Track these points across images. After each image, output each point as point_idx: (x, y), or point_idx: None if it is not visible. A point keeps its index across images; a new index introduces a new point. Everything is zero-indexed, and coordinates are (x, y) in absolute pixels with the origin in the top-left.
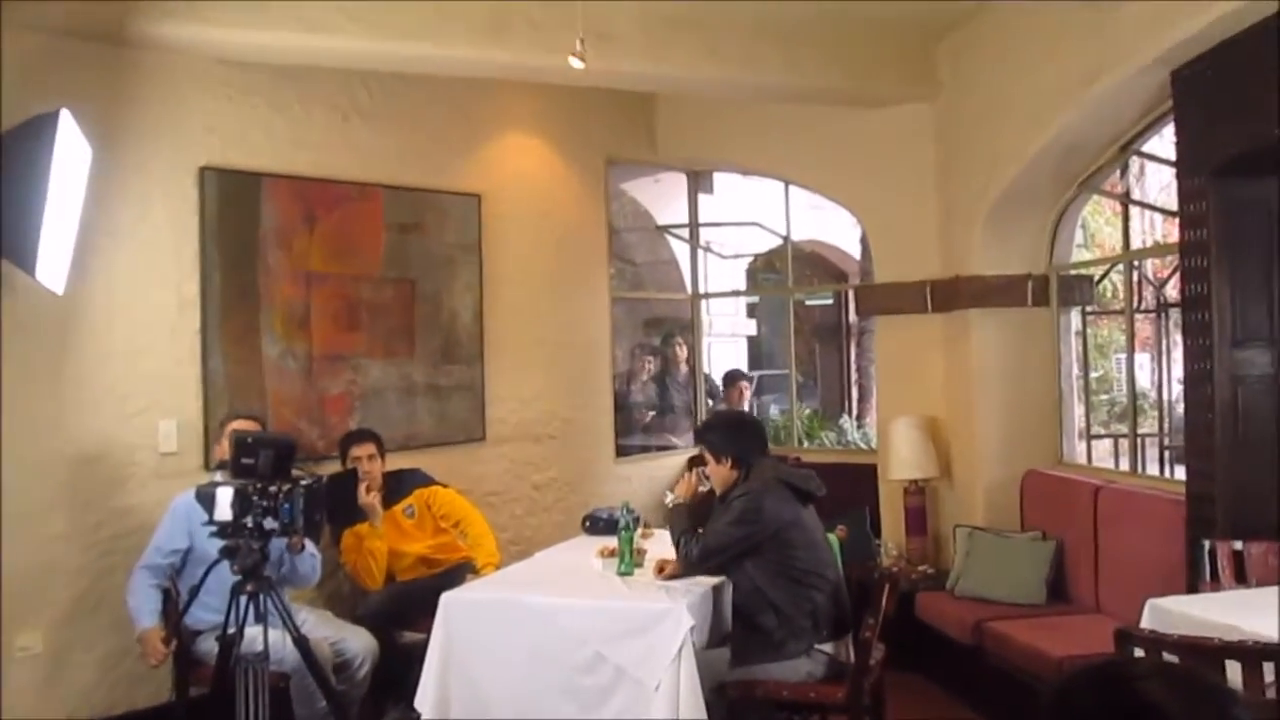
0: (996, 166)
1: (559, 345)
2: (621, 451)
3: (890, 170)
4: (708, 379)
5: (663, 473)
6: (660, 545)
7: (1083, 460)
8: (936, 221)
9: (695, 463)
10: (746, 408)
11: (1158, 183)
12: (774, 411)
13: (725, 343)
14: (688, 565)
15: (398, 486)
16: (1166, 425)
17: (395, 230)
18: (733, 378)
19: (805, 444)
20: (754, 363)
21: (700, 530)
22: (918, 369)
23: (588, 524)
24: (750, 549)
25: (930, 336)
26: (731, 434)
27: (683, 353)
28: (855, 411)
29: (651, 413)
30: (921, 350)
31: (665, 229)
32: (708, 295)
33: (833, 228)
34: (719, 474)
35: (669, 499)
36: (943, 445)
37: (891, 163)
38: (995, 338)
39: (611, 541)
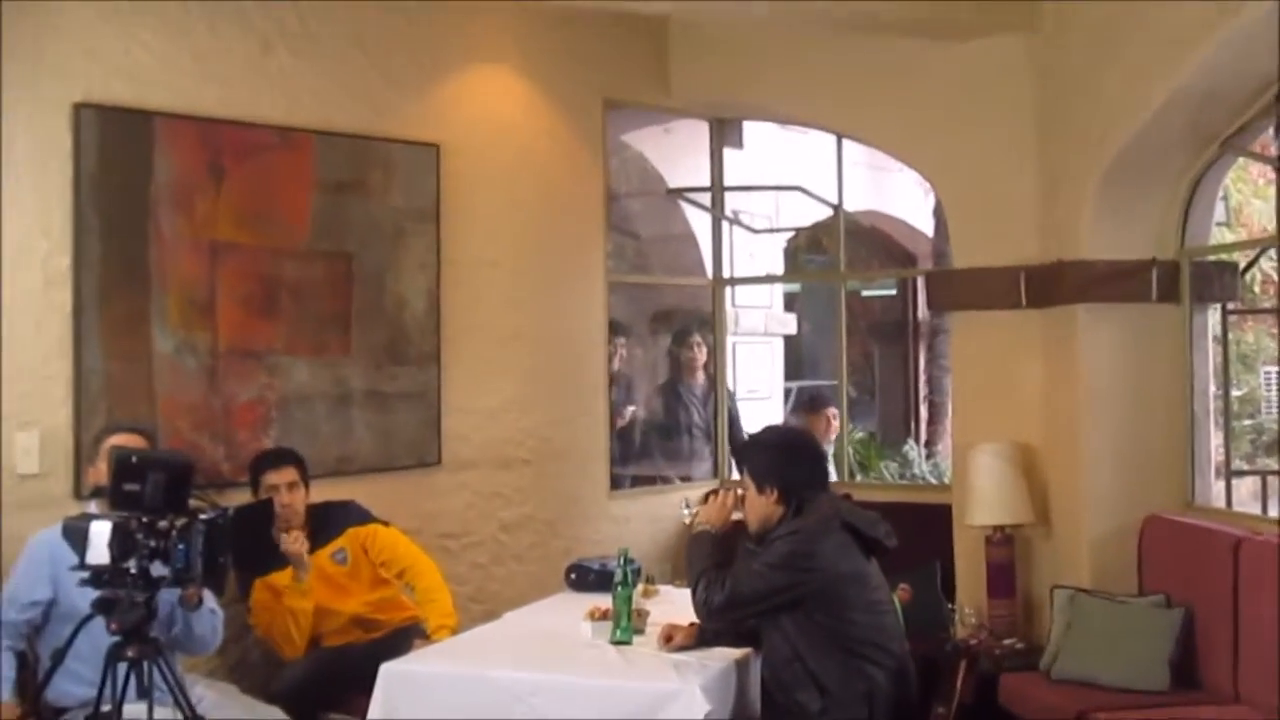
0: (1113, 119)
1: (538, 343)
2: (618, 483)
3: (974, 122)
4: (730, 397)
5: (671, 511)
6: (668, 606)
7: (1220, 504)
8: (1034, 189)
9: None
10: (833, 442)
11: None
12: None
13: (755, 344)
14: (706, 615)
15: (326, 524)
16: None
17: (328, 190)
18: (815, 402)
19: (858, 477)
20: (792, 370)
21: (725, 570)
22: (1006, 381)
23: (573, 577)
24: (793, 602)
25: (1024, 339)
26: (783, 459)
27: (700, 356)
28: (923, 436)
29: (659, 433)
30: (1012, 357)
31: (680, 194)
32: (734, 281)
33: (898, 196)
34: (758, 508)
35: (686, 514)
36: (1038, 481)
37: (976, 112)
38: (1109, 342)
39: (605, 600)
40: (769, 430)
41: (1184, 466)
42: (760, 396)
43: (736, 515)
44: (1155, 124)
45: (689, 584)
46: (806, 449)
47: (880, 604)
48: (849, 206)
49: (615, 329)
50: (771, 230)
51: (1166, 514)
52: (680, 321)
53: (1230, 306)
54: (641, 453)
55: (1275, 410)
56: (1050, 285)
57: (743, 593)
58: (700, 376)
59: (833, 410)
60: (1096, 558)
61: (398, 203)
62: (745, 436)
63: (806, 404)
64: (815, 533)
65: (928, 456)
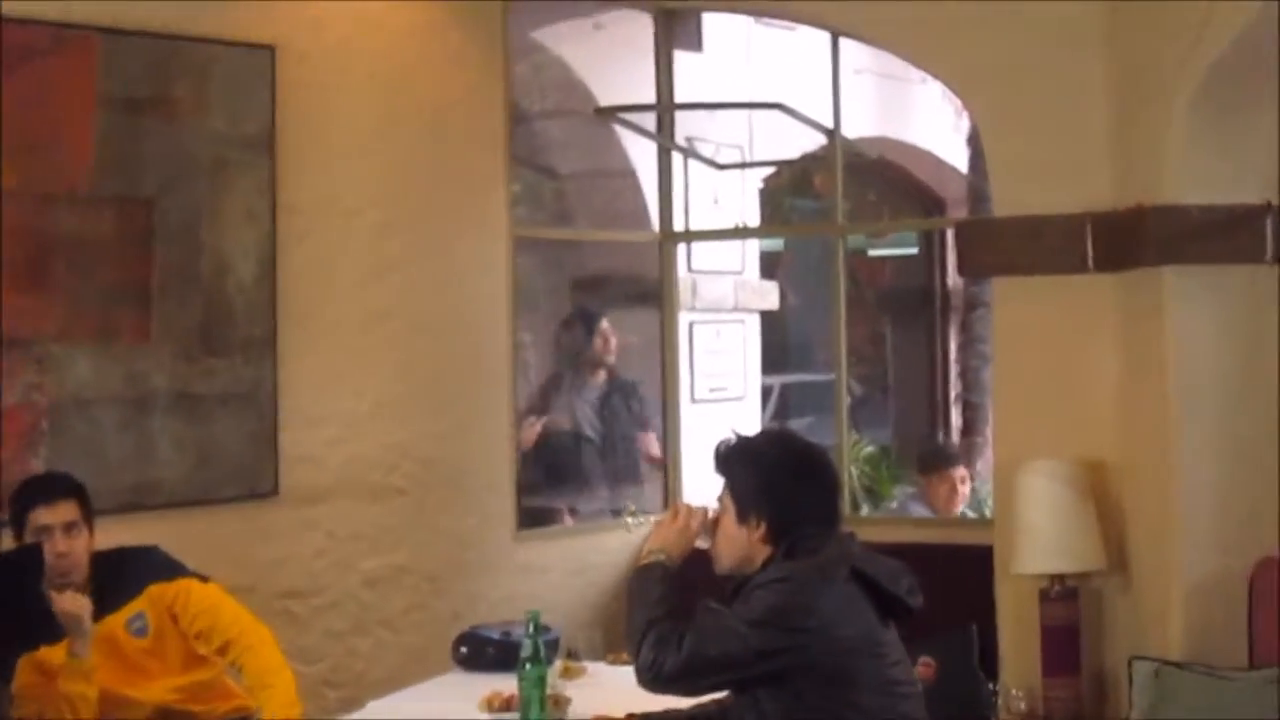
0: (1212, 9)
1: (416, 325)
2: (530, 519)
3: (1022, 14)
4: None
5: (602, 560)
6: (595, 690)
7: None
8: (1104, 108)
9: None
10: (960, 508)
11: None
12: None
13: (721, 323)
14: (653, 682)
15: (118, 580)
16: None
17: (119, 109)
18: (939, 458)
19: (864, 508)
20: (774, 359)
21: (685, 622)
22: (1068, 374)
23: (464, 651)
24: (777, 674)
25: (1092, 315)
26: (781, 481)
27: (607, 348)
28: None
29: (585, 451)
30: (1076, 340)
31: (614, 115)
32: (690, 236)
33: (919, 118)
34: (736, 542)
35: (632, 523)
36: (1112, 513)
37: (1024, 2)
38: (1210, 318)
39: (505, 684)
40: (767, 437)
41: None
42: (729, 396)
43: (702, 543)
44: (1269, 17)
45: (630, 637)
46: (817, 470)
47: (899, 684)
48: (850, 132)
49: (524, 304)
50: (742, 165)
51: None
52: (614, 291)
53: None
54: (560, 478)
55: None
56: (1127, 240)
57: (708, 655)
58: (600, 375)
59: (961, 472)
60: (1192, 618)
61: (217, 127)
62: (732, 438)
63: (927, 460)
64: (813, 582)
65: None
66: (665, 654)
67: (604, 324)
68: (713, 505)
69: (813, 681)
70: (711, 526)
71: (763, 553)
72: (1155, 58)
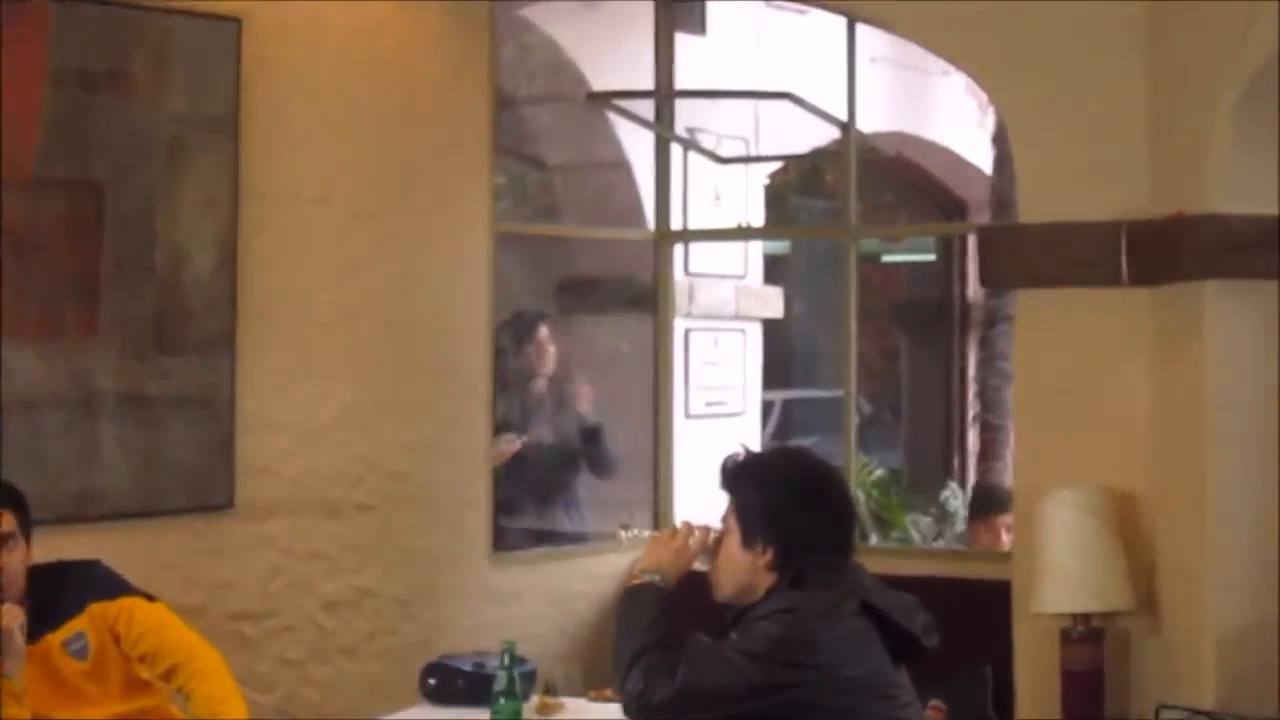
0: (1259, 11)
1: (386, 325)
2: (506, 541)
3: (1056, 6)
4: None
5: (586, 588)
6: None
7: None
8: (1142, 112)
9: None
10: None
11: None
12: None
13: (720, 331)
14: (639, 712)
15: (56, 597)
16: None
17: (69, 84)
18: (992, 501)
19: (873, 538)
20: (777, 371)
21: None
22: (1097, 395)
23: (433, 683)
24: (776, 713)
25: (1125, 332)
26: (794, 504)
27: (544, 358)
28: (972, 477)
29: (570, 469)
30: (1106, 359)
31: (608, 102)
32: (688, 236)
33: (941, 113)
34: (738, 568)
35: (625, 536)
36: (1142, 549)
37: None
38: (1253, 337)
39: (477, 719)
40: (780, 455)
41: None
42: (727, 412)
43: (700, 565)
44: None
45: (617, 662)
46: (833, 494)
47: None
48: (865, 126)
49: (506, 306)
50: (747, 160)
51: None
52: (605, 294)
53: None
54: (541, 497)
55: None
56: (1165, 251)
57: (702, 688)
58: (539, 385)
59: (1008, 519)
60: (1225, 663)
61: (175, 106)
62: (741, 454)
63: (979, 504)
64: (820, 615)
65: None
66: (656, 684)
67: (542, 331)
68: (716, 525)
69: None
70: (714, 548)
71: (767, 581)
72: (1198, 58)
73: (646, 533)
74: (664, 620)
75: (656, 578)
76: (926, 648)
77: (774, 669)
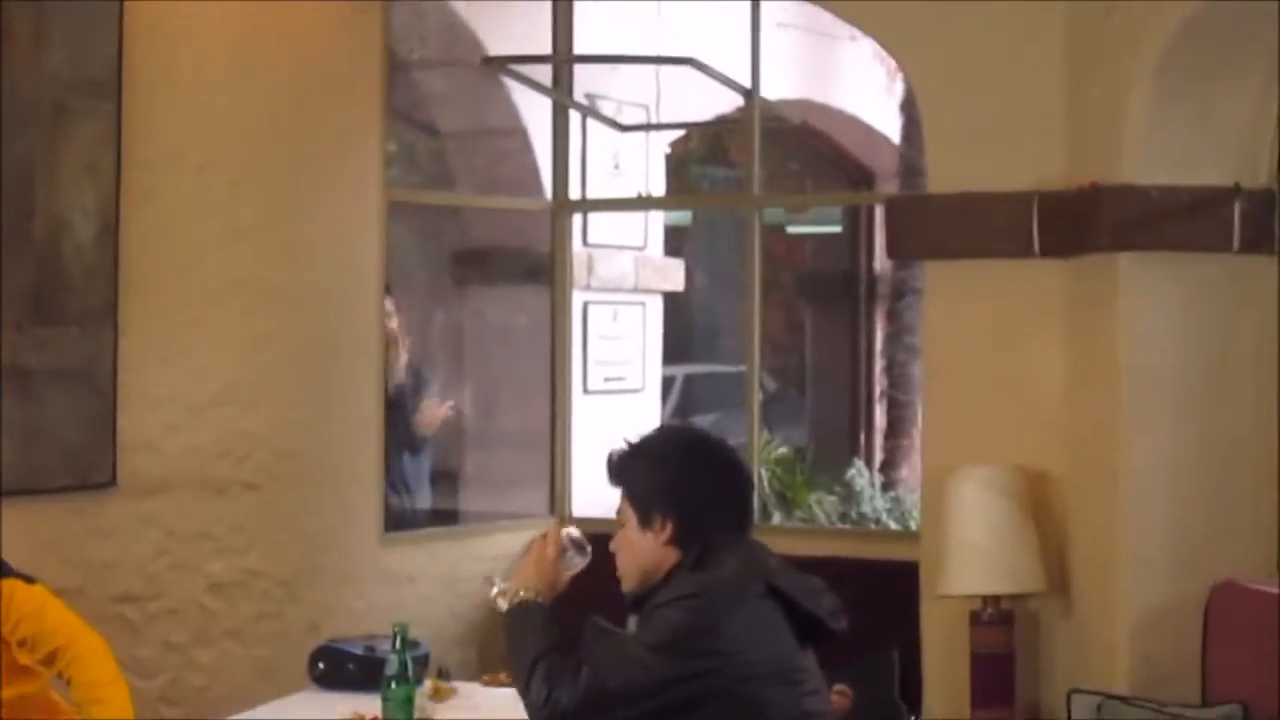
0: None
1: (274, 297)
2: (399, 522)
3: None
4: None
5: (479, 569)
6: (469, 715)
7: None
8: (1057, 75)
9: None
10: None
11: None
12: None
13: (620, 304)
14: None
15: None
16: None
17: None
18: None
19: (776, 516)
20: (678, 346)
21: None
22: (1008, 371)
23: (322, 667)
24: (685, 704)
25: (1037, 306)
26: (683, 473)
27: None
28: (878, 454)
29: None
30: (1017, 333)
31: (504, 66)
32: (587, 206)
33: (848, 80)
34: (640, 551)
35: (495, 589)
36: (1054, 529)
37: None
38: (1168, 310)
39: (368, 704)
40: (663, 432)
41: (1276, 510)
42: (626, 388)
43: (571, 566)
44: None
45: (516, 678)
46: (722, 460)
47: (813, 715)
48: (770, 93)
49: (398, 278)
50: (648, 127)
51: (1248, 581)
52: (500, 266)
53: None
54: (433, 474)
55: None
56: (1079, 222)
57: (608, 688)
58: (401, 362)
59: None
60: (1140, 646)
61: (55, 68)
62: (623, 443)
63: None
64: (723, 598)
65: (884, 487)
66: (559, 688)
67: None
68: (567, 530)
69: (720, 709)
70: (574, 545)
71: (670, 558)
72: (1114, 25)
73: (516, 573)
74: (554, 628)
75: (534, 594)
76: (834, 631)
77: (680, 660)
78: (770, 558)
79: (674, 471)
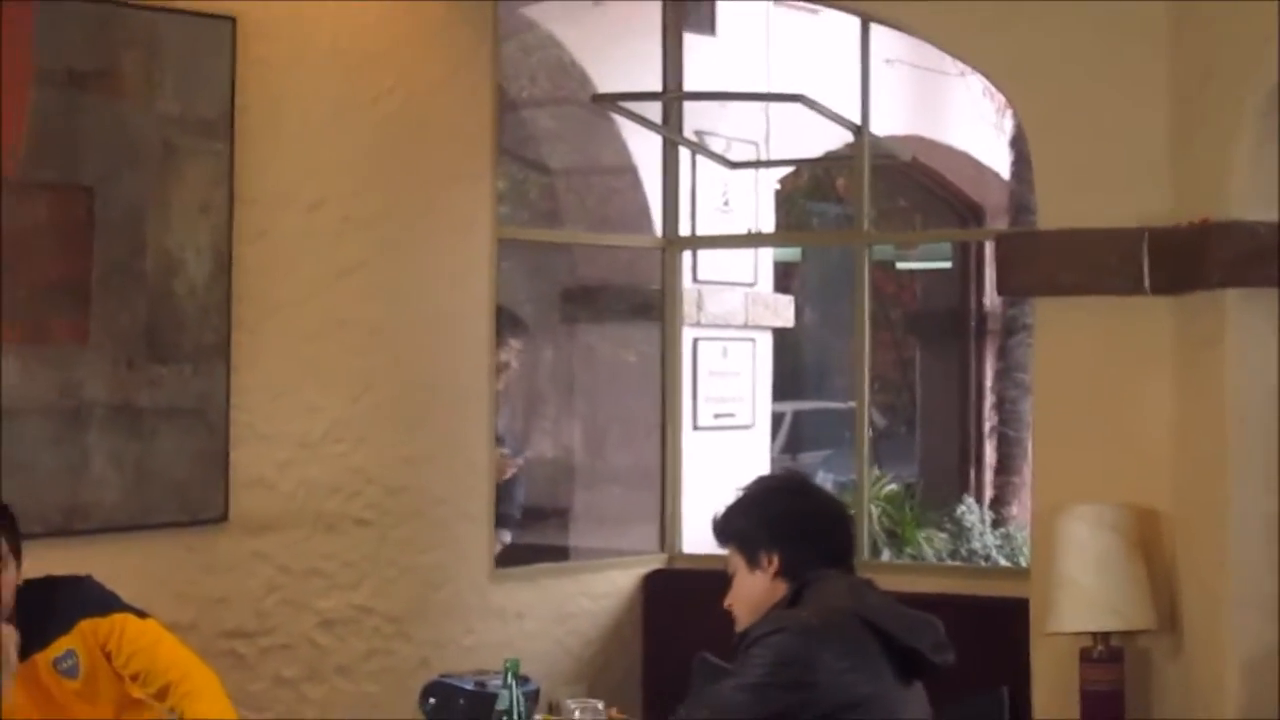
0: None
1: (384, 334)
2: (509, 558)
3: (1077, 5)
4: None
5: (589, 605)
6: None
7: None
8: (1166, 116)
9: (655, 582)
10: None
11: None
12: (824, 484)
13: (730, 341)
14: None
15: (46, 615)
16: None
17: (56, 84)
18: None
19: (885, 553)
20: (787, 382)
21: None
22: (1118, 408)
23: (433, 702)
24: None
25: (1146, 343)
26: (783, 509)
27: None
28: (988, 491)
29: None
30: (1127, 370)
31: (614, 104)
32: (696, 243)
33: (958, 116)
34: (753, 591)
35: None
36: (1164, 567)
37: None
38: (1277, 351)
39: None
40: (757, 480)
41: None
42: (735, 424)
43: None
44: None
45: None
46: (817, 494)
47: None
48: (880, 129)
49: (507, 316)
50: (757, 164)
51: None
52: (610, 303)
53: None
54: (542, 511)
55: None
56: (1188, 259)
57: None
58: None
59: None
60: (1249, 685)
61: (168, 108)
62: (722, 507)
63: None
64: (814, 630)
65: (994, 524)
66: None
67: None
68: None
69: None
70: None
71: (780, 590)
72: (1222, 60)
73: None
74: None
75: None
76: (937, 665)
77: (773, 694)
78: (872, 593)
79: (771, 508)
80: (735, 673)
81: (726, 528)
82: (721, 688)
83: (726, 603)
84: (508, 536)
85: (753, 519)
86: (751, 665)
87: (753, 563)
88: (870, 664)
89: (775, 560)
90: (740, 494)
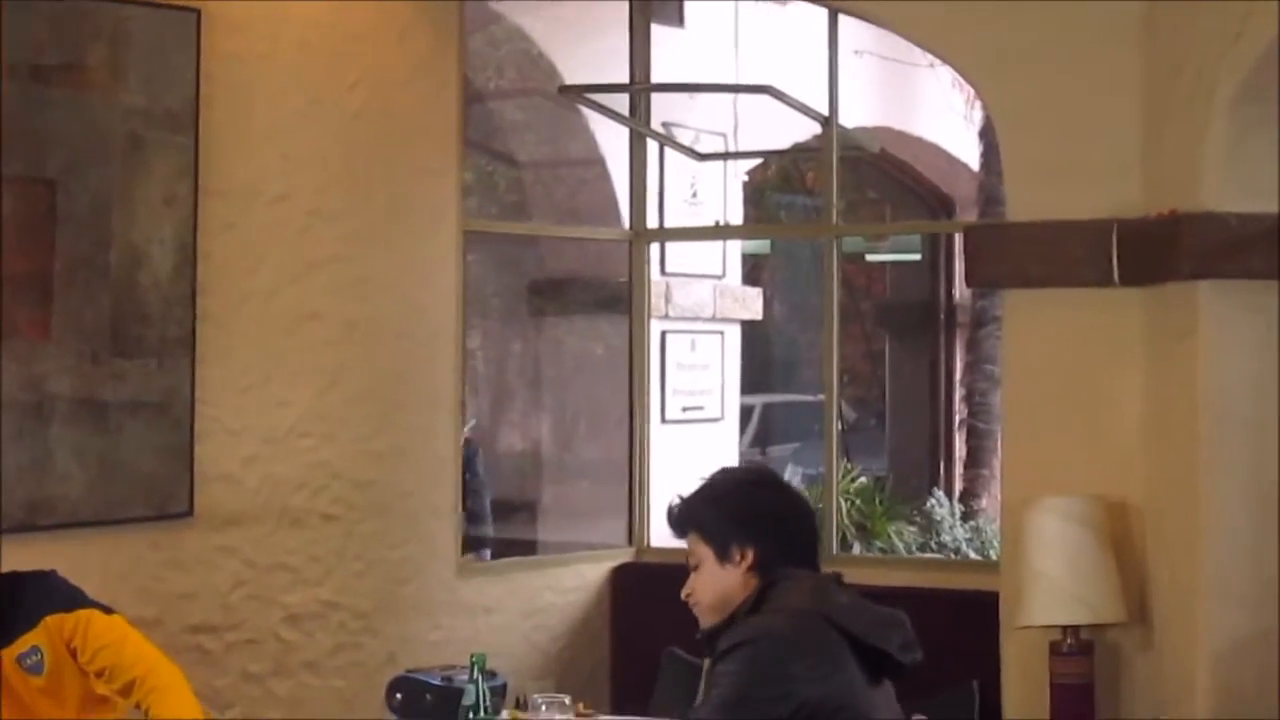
0: (1256, 2)
1: (351, 327)
2: (474, 551)
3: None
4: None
5: (557, 600)
6: None
7: None
8: (1136, 107)
9: (623, 576)
10: None
11: None
12: (793, 477)
13: (698, 333)
14: None
15: (10, 609)
16: None
17: (21, 77)
18: None
19: (856, 547)
20: (756, 375)
21: None
22: (1088, 400)
23: (399, 698)
24: None
25: (1116, 334)
26: (752, 502)
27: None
28: (958, 484)
29: (544, 475)
30: (1097, 361)
31: (581, 95)
32: (665, 235)
33: (926, 107)
34: (721, 584)
35: None
36: (1134, 560)
37: None
38: (1249, 340)
39: None
40: (722, 473)
41: None
42: (704, 417)
43: None
44: None
45: None
46: (787, 489)
47: None
48: (848, 120)
49: (475, 308)
50: (726, 156)
51: None
52: (578, 295)
53: None
54: (511, 505)
55: None
56: (1158, 251)
57: None
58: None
59: None
60: (1220, 677)
61: (133, 100)
62: (678, 497)
63: None
64: (785, 639)
65: (964, 517)
66: None
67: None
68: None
69: None
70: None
71: (751, 585)
72: (1193, 51)
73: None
74: None
75: None
76: (904, 665)
77: (751, 707)
78: (838, 592)
79: (745, 501)
80: (707, 696)
81: (692, 517)
82: (698, 712)
83: (686, 594)
84: (488, 555)
85: (725, 511)
86: (725, 685)
87: (723, 556)
88: (840, 669)
89: (750, 555)
90: (706, 485)
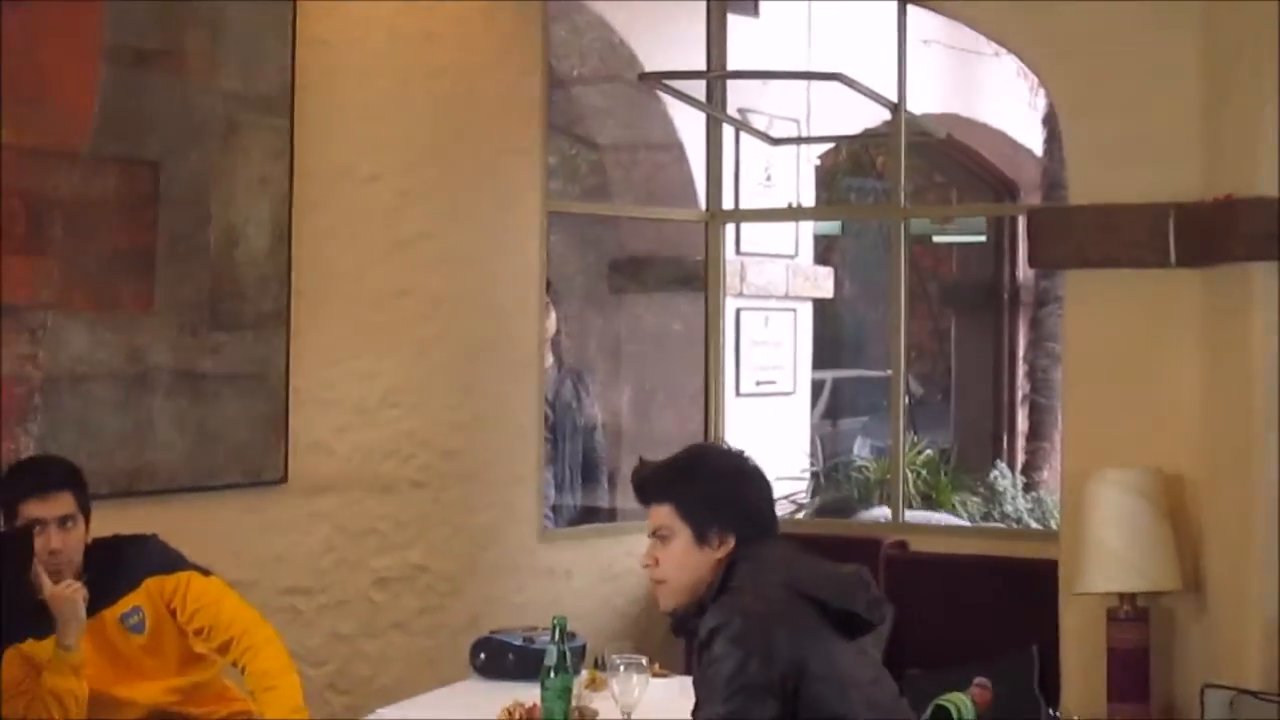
0: None
1: (438, 303)
2: (557, 518)
3: None
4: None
5: (635, 564)
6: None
7: None
8: (1194, 93)
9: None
10: None
11: None
12: (862, 449)
13: (771, 311)
14: None
15: (113, 572)
16: None
17: (124, 63)
18: None
19: (919, 515)
20: (827, 351)
21: None
22: (1146, 377)
23: (483, 658)
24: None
25: (1174, 314)
26: (737, 489)
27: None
28: (1020, 457)
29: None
30: (1155, 340)
31: (660, 82)
32: (739, 216)
33: (992, 95)
34: (693, 566)
35: None
36: (1189, 530)
37: None
38: None
39: (527, 693)
40: (702, 450)
41: None
42: (777, 391)
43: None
44: None
45: None
46: (758, 471)
47: (877, 706)
48: (916, 107)
49: (558, 285)
50: (798, 140)
51: None
52: (656, 274)
53: None
54: (590, 475)
55: None
56: (1215, 234)
57: None
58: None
59: None
60: (1272, 643)
61: (230, 85)
62: (647, 464)
63: None
64: (763, 615)
65: (1026, 488)
66: None
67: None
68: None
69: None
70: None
71: (718, 570)
72: (1251, 38)
73: None
74: None
75: None
76: (873, 623)
77: (745, 699)
78: (800, 561)
79: (732, 493)
80: (709, 695)
81: (672, 493)
82: (704, 714)
83: (647, 564)
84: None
85: (711, 498)
86: (714, 681)
87: (701, 539)
88: (817, 637)
89: (730, 543)
90: (688, 464)
